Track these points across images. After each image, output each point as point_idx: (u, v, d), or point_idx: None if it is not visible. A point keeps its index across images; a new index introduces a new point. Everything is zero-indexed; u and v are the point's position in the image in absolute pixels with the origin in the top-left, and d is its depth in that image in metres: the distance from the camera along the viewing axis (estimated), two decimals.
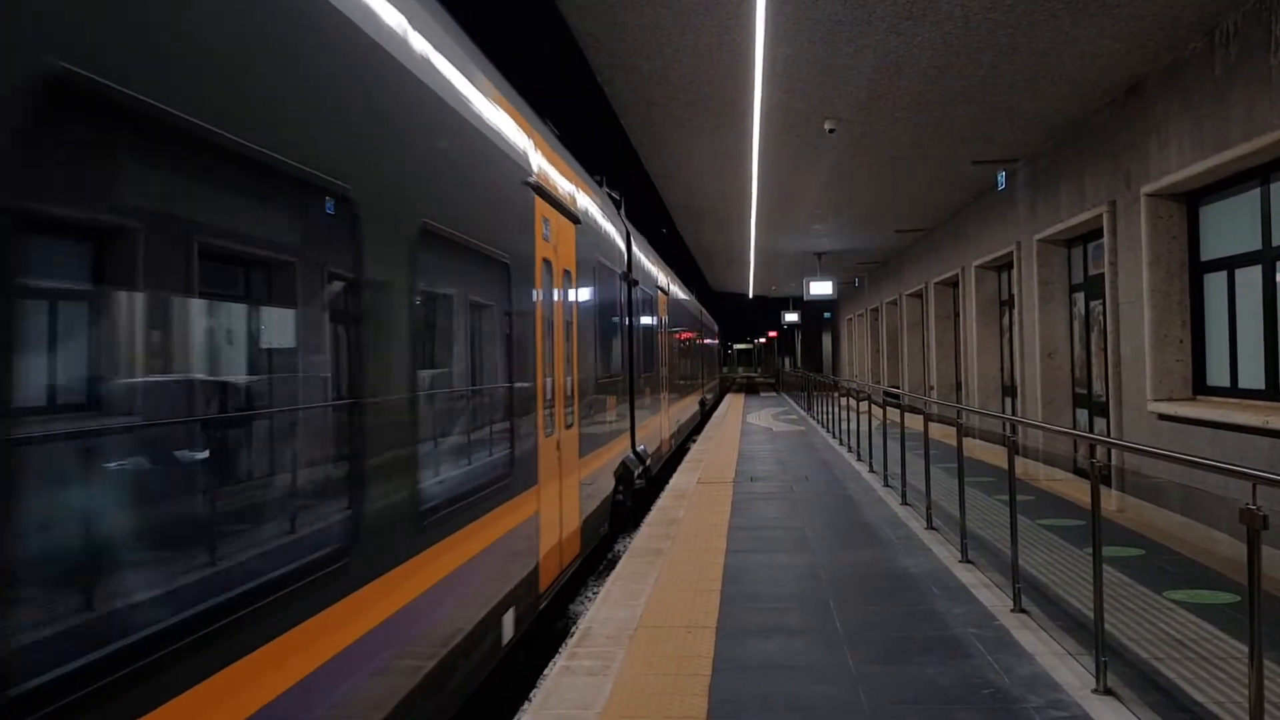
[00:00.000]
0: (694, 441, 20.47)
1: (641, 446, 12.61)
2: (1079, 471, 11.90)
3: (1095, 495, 4.95)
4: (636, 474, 11.68)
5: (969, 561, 7.66)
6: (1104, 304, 11.57)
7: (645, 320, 14.12)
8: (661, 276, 16.99)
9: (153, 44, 2.38)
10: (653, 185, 16.49)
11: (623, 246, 11.68)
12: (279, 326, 3.22)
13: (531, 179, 6.32)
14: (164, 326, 2.57)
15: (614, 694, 4.87)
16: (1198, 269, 9.86)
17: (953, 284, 20.31)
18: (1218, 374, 9.57)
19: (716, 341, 47.98)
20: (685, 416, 22.38)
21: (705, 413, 31.01)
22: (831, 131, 12.01)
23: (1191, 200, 9.89)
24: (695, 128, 12.21)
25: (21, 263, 2.00)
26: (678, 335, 21.19)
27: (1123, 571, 7.17)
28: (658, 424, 15.45)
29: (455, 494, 4.71)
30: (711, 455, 16.29)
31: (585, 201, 8.90)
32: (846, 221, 20.31)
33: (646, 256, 14.73)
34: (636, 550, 8.43)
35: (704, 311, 35.13)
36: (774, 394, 44.09)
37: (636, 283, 12.68)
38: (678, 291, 21.67)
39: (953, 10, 8.22)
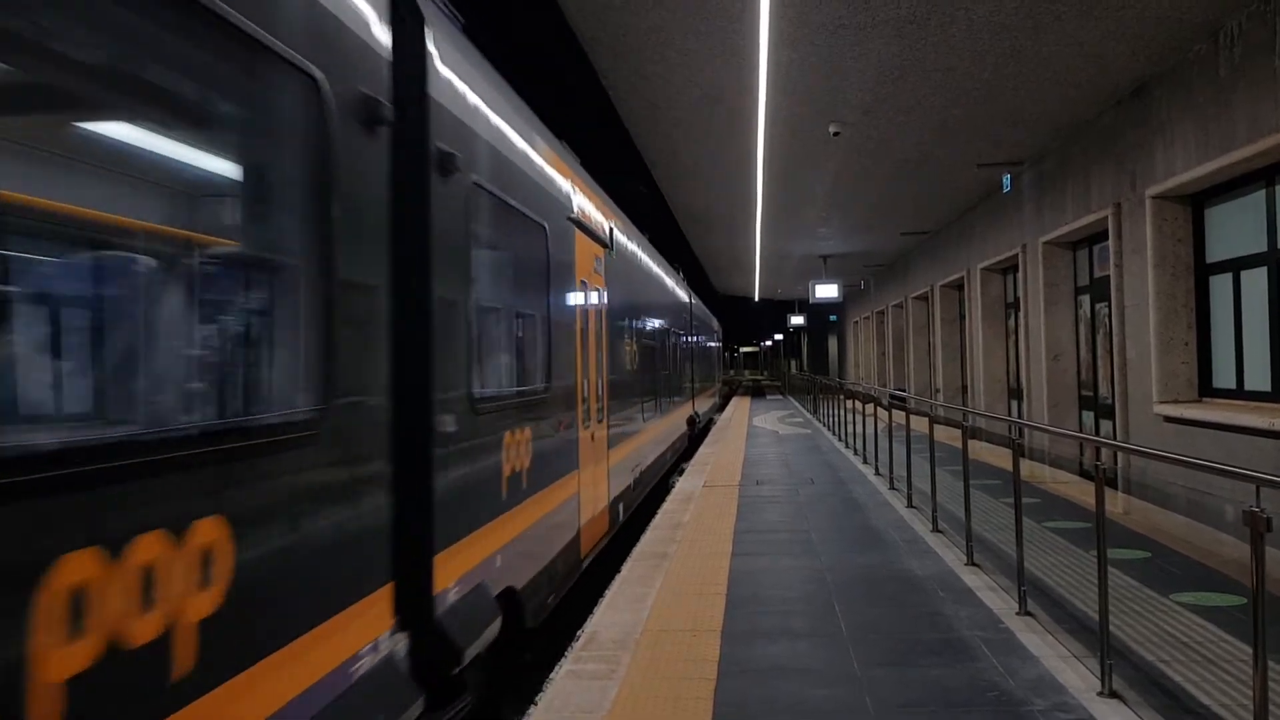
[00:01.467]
0: (679, 474, 14.99)
1: (478, 583, 5.06)
2: (1085, 474, 11.89)
3: (1100, 498, 4.95)
4: None
5: (975, 564, 7.65)
6: (1110, 306, 11.56)
7: (526, 281, 6.78)
8: (591, 210, 8.92)
9: None
10: (658, 189, 16.51)
11: (383, 46, 4.16)
12: None
13: None
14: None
15: (619, 698, 4.88)
16: (1203, 271, 9.85)
17: (958, 286, 20.30)
18: (1224, 376, 9.56)
19: (716, 343, 39.48)
20: (657, 453, 14.36)
21: (697, 433, 23.21)
22: (836, 135, 12.02)
23: (1197, 202, 9.88)
24: (700, 131, 12.22)
25: None
26: (639, 325, 13.16)
27: (1128, 574, 7.16)
28: (569, 495, 7.47)
29: None
30: (718, 458, 16.29)
31: None
32: (852, 224, 20.31)
33: (540, 155, 6.93)
34: (642, 554, 8.44)
35: (695, 298, 26.23)
36: (780, 397, 44.08)
37: (482, 187, 5.36)
38: (638, 254, 13.07)
39: (956, 14, 8.23)
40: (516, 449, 5.83)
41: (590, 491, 8.34)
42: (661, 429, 15.26)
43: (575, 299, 8.04)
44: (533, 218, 6.52)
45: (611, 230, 10.25)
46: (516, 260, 6.54)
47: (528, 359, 6.67)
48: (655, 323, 15.26)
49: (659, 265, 16.44)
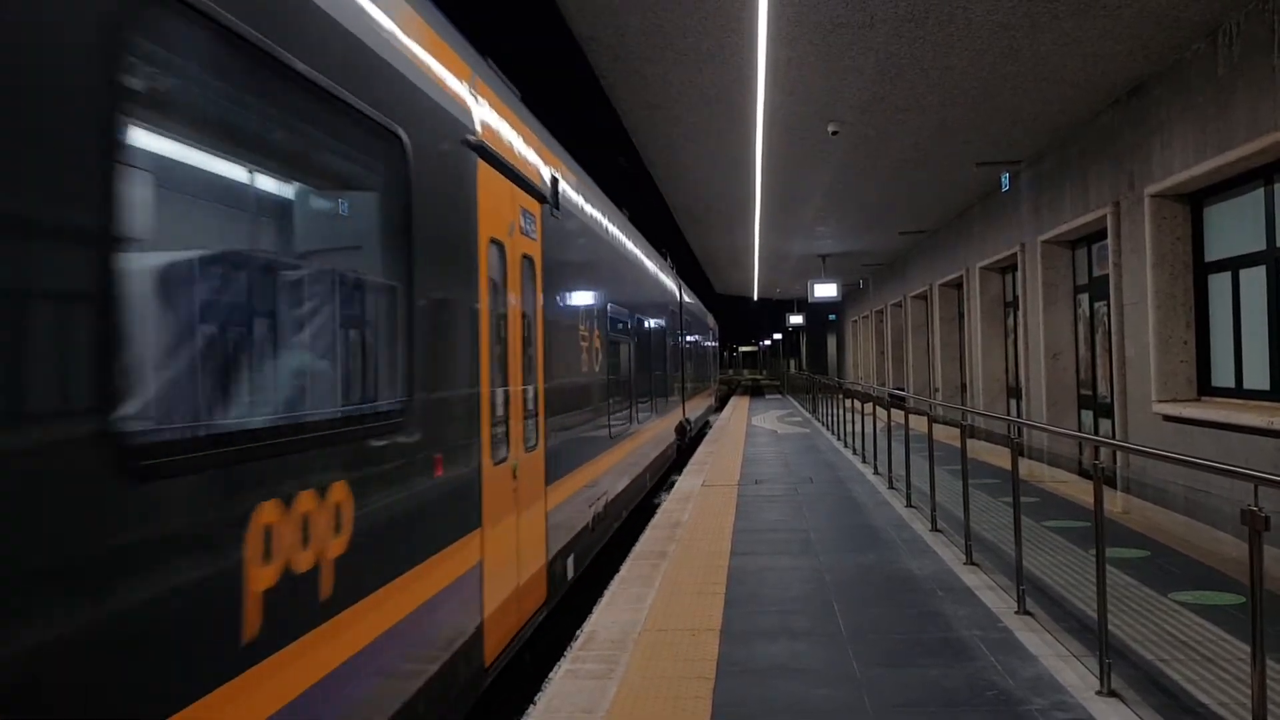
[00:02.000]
0: (668, 490, 14.03)
1: None
2: (1084, 473, 11.89)
3: (1098, 497, 4.95)
4: None
5: (973, 563, 7.65)
6: (1108, 305, 11.56)
7: (342, 222, 4.01)
8: (515, 142, 6.31)
9: None
10: (657, 189, 16.51)
11: None
12: None
13: None
14: None
15: (618, 697, 4.87)
16: (1202, 270, 9.85)
17: (957, 285, 20.30)
18: (1222, 375, 9.56)
19: (713, 342, 34.75)
20: (633, 475, 11.61)
21: (688, 443, 20.29)
22: (835, 134, 12.02)
23: (1195, 201, 9.88)
24: (699, 131, 12.22)
25: None
26: (606, 314, 10.02)
27: (1127, 573, 7.16)
28: (457, 573, 4.69)
29: None
30: (716, 458, 16.29)
31: None
32: (851, 223, 20.31)
33: (394, 18, 4.14)
34: (641, 554, 8.43)
35: (687, 292, 23.28)
36: (779, 396, 44.07)
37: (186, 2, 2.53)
38: (602, 223, 10.03)
39: (954, 12, 8.22)
40: (303, 529, 3.11)
41: (505, 556, 5.60)
42: (640, 444, 12.33)
43: (478, 264, 5.28)
44: (365, 111, 3.74)
45: (555, 181, 7.31)
46: (312, 178, 3.82)
47: (351, 357, 3.93)
48: (632, 314, 12.14)
49: (638, 245, 13.23)
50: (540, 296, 6.79)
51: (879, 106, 11.04)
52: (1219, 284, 9.59)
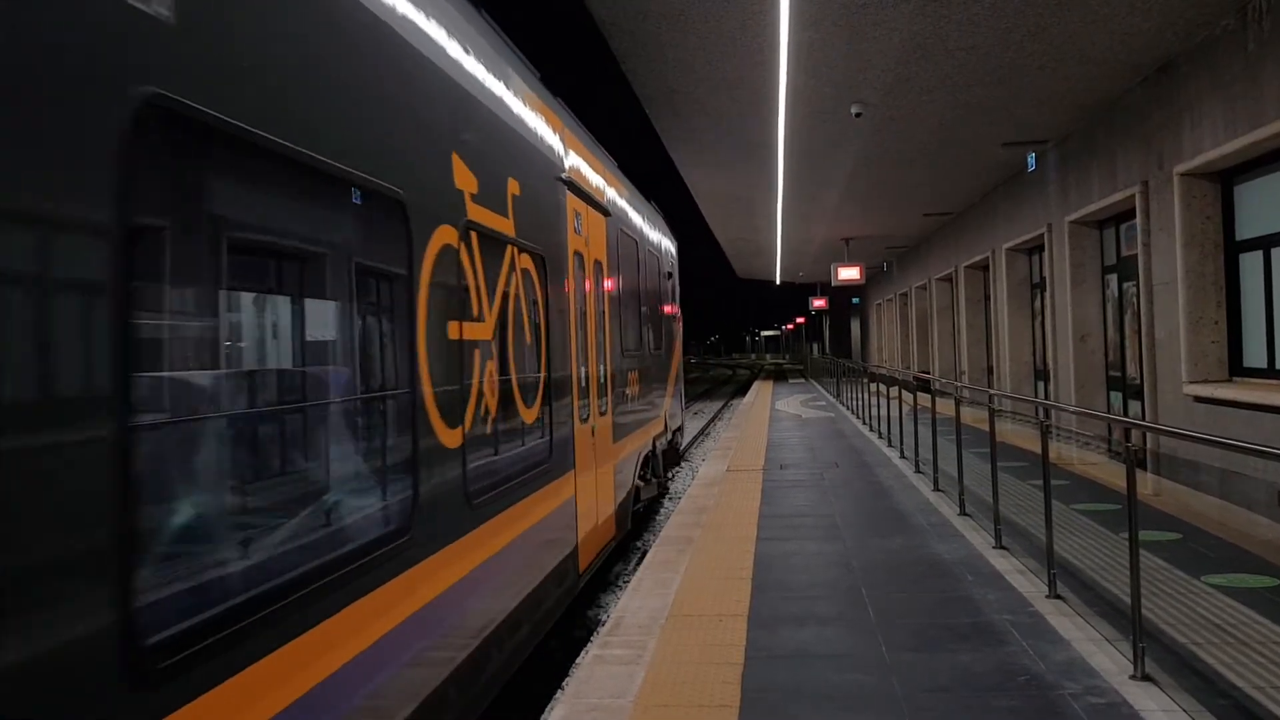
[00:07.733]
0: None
1: None
2: (1114, 455, 11.78)
3: (1131, 479, 4.90)
4: None
5: (1003, 548, 7.61)
6: (1137, 285, 11.43)
7: None
8: None
9: None
10: (678, 174, 16.44)
11: None
12: None
13: None
14: None
15: (646, 683, 4.88)
16: (1233, 249, 9.71)
17: (983, 267, 20.13)
18: (1254, 355, 9.43)
19: (648, 277, 12.40)
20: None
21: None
22: (859, 115, 11.91)
23: (1225, 179, 9.74)
24: (720, 115, 12.15)
25: None
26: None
27: (1160, 556, 7.09)
28: None
29: None
30: (741, 443, 16.27)
31: None
32: (874, 206, 20.17)
33: None
34: (667, 539, 8.43)
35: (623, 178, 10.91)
36: (802, 381, 43.94)
37: None
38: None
39: None
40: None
41: None
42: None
43: None
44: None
45: None
46: None
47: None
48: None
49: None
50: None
51: (903, 88, 10.94)
52: (1250, 263, 9.45)
